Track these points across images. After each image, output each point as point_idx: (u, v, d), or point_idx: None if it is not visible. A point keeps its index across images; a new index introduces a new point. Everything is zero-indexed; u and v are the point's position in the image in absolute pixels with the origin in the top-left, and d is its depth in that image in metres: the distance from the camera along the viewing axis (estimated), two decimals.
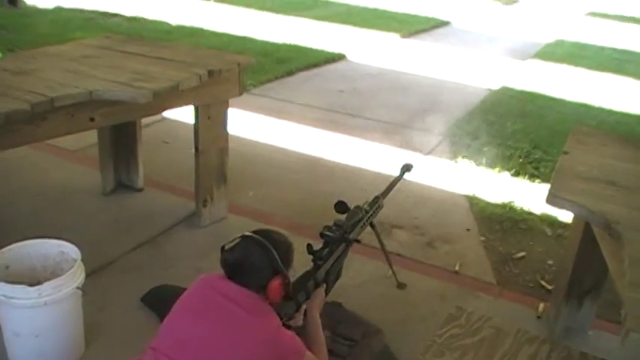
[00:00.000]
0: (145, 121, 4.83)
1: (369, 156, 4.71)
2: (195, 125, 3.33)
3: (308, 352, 2.17)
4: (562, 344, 2.18)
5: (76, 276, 2.39)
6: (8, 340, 2.41)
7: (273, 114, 5.55)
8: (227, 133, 3.47)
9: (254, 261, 2.10)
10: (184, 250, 3.30)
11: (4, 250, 2.48)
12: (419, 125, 5.50)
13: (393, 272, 3.10)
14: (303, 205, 3.89)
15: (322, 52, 7.96)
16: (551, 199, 2.39)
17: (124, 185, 3.90)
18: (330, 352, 2.46)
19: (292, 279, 2.21)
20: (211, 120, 3.34)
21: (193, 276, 3.01)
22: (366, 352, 2.58)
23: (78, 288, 2.38)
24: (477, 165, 4.61)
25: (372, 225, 2.98)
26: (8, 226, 3.37)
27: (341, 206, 2.81)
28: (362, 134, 5.16)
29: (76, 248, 2.51)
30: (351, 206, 2.84)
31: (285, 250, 2.19)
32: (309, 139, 5.03)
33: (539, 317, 2.98)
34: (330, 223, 2.65)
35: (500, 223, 3.82)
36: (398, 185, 4.12)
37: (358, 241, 2.79)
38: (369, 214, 2.90)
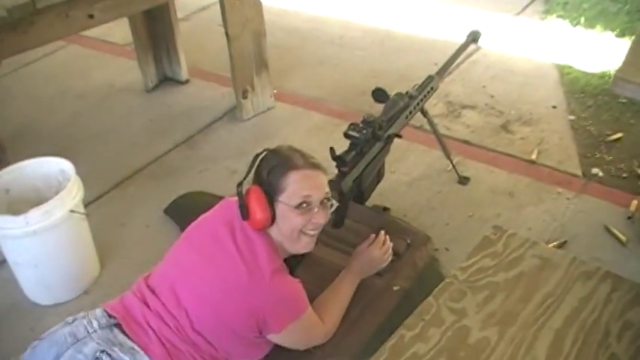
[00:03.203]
0: (201, 3, 4.50)
1: (449, 23, 4.09)
2: (221, 5, 2.90)
3: (309, 312, 1.83)
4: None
5: (68, 198, 2.13)
6: (13, 269, 2.26)
7: None
8: (261, 13, 3.02)
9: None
10: (221, 150, 3.00)
11: (1, 173, 2.28)
12: None
13: (453, 165, 2.67)
14: (366, 86, 3.41)
15: None
16: None
17: (168, 79, 3.60)
18: None
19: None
20: None
21: (227, 179, 2.78)
22: (407, 269, 2.21)
23: (73, 211, 2.13)
24: (574, 25, 3.89)
25: (422, 111, 2.54)
26: (45, 133, 3.22)
27: (379, 94, 2.38)
28: None
29: (71, 166, 2.25)
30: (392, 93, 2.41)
31: (271, 166, 1.82)
32: (379, 8, 4.44)
33: (629, 218, 2.43)
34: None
35: (595, 97, 3.19)
36: (474, 57, 3.59)
37: (399, 136, 2.37)
38: (416, 101, 2.45)
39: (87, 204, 2.34)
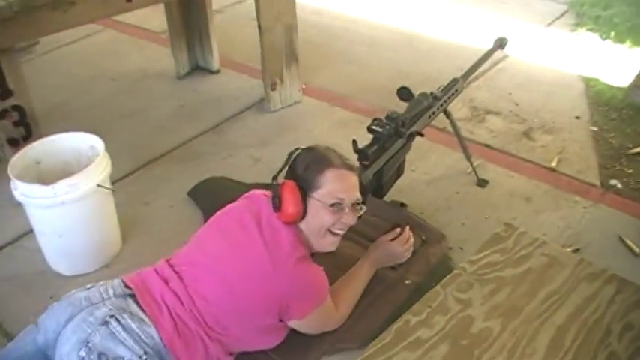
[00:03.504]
0: None
1: (478, 29, 4.13)
2: None
3: (328, 302, 1.89)
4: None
5: (96, 172, 2.21)
6: (38, 238, 2.34)
7: None
8: (294, 7, 3.08)
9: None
10: (247, 139, 3.06)
11: (33, 145, 2.36)
12: None
13: (473, 167, 2.71)
14: (392, 87, 3.46)
15: None
16: None
17: (200, 68, 3.69)
18: None
19: None
20: None
21: (250, 167, 2.85)
22: (420, 264, 2.26)
23: (99, 186, 2.21)
24: (603, 39, 3.91)
25: (446, 112, 2.59)
26: (77, 111, 3.31)
27: (404, 93, 2.43)
28: (474, 3, 4.54)
29: (101, 142, 2.32)
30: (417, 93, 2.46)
31: (308, 163, 1.89)
32: (409, 11, 4.49)
33: None
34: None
35: (619, 111, 3.20)
36: (501, 64, 3.63)
37: (421, 135, 2.42)
38: (440, 102, 2.50)
39: (113, 181, 2.41)
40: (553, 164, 2.83)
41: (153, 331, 1.71)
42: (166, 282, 1.83)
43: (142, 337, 1.69)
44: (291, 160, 1.90)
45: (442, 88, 2.55)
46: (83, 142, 2.39)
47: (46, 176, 2.29)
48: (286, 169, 1.91)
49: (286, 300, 1.78)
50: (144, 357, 1.66)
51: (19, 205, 2.27)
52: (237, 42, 3.93)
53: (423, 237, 2.36)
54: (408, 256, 2.18)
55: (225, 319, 1.79)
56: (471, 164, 2.71)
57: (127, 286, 1.82)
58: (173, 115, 3.28)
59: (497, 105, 3.29)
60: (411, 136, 2.38)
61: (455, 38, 4.03)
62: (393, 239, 2.16)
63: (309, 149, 1.92)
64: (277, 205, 1.82)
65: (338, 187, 1.84)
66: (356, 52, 3.91)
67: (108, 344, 1.66)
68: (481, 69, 3.29)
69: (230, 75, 3.64)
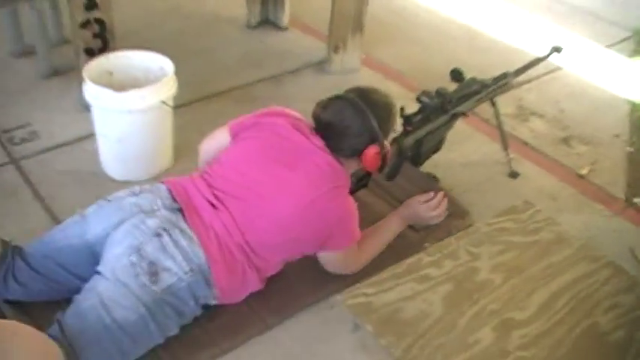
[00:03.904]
0: None
1: (539, 38, 4.24)
2: None
3: (354, 246, 2.02)
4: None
5: (163, 89, 2.42)
6: (98, 140, 2.55)
7: None
8: None
9: (349, 125, 1.97)
10: (304, 92, 3.25)
11: (108, 55, 2.57)
12: (611, 16, 4.82)
13: (508, 158, 2.86)
14: (446, 71, 3.58)
15: None
16: None
17: (269, 22, 3.88)
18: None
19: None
20: None
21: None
22: (442, 232, 2.42)
23: (163, 102, 2.41)
24: None
25: (492, 102, 2.74)
26: (149, 41, 3.49)
27: (456, 74, 2.59)
28: (540, 13, 4.64)
29: (171, 64, 2.53)
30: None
31: (385, 114, 2.03)
32: (478, 9, 4.61)
33: None
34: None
35: None
36: (555, 73, 3.75)
37: (465, 115, 2.57)
38: (488, 89, 2.65)
39: (174, 107, 2.60)
40: (584, 172, 2.97)
41: (200, 252, 1.81)
42: (214, 207, 1.91)
43: (190, 255, 1.79)
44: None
45: (493, 78, 2.70)
46: (154, 62, 2.59)
47: (115, 87, 2.45)
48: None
49: (331, 230, 1.91)
50: (189, 273, 1.78)
51: (83, 111, 2.48)
52: (308, 5, 4.11)
53: (449, 210, 2.52)
54: (437, 222, 2.33)
55: (272, 249, 1.92)
56: (507, 155, 2.86)
57: (174, 200, 1.91)
58: (237, 59, 3.49)
59: (543, 109, 3.42)
60: (455, 116, 2.54)
61: (514, 41, 4.15)
62: (425, 202, 2.32)
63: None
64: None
65: None
66: (420, 35, 4.06)
67: (158, 255, 1.76)
68: (535, 74, 3.45)
69: (297, 34, 3.83)
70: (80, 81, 2.52)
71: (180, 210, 1.89)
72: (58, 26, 3.34)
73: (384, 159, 2.01)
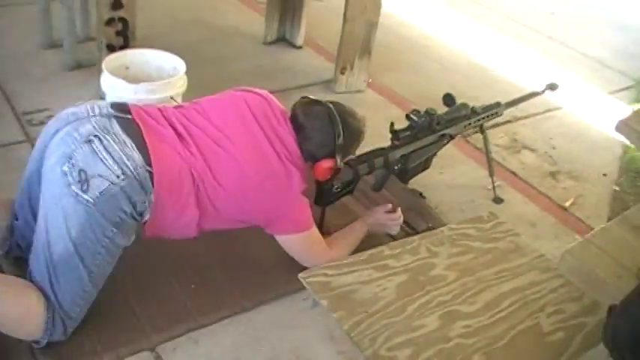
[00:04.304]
0: None
1: (543, 78, 4.39)
2: None
3: (313, 231, 2.15)
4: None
5: (173, 87, 2.60)
6: None
7: (456, 6, 5.39)
8: (379, 8, 3.45)
9: (317, 133, 2.10)
10: None
11: (127, 51, 2.77)
12: (616, 64, 4.98)
13: (493, 184, 3.00)
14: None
15: None
16: None
17: (285, 40, 4.08)
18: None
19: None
20: None
21: None
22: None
23: (172, 98, 2.60)
24: None
25: (481, 129, 2.88)
26: (168, 46, 3.68)
27: (448, 99, 2.75)
28: (547, 55, 4.82)
29: (184, 65, 2.72)
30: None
31: (352, 138, 2.17)
32: (486, 45, 4.81)
33: None
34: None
35: None
36: (553, 112, 3.90)
37: (452, 137, 2.72)
38: (478, 116, 2.80)
39: None
40: (567, 204, 3.10)
41: (136, 155, 1.77)
42: (180, 137, 1.91)
43: (123, 159, 1.75)
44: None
45: (484, 106, 2.85)
46: (168, 62, 2.79)
47: (130, 80, 2.66)
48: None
49: (277, 213, 2.03)
50: (121, 177, 1.74)
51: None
52: (323, 28, 4.30)
53: (430, 224, 2.66)
54: (395, 229, 2.48)
55: (224, 199, 1.93)
56: (492, 182, 3.00)
57: (118, 110, 1.88)
58: (250, 71, 3.69)
59: (536, 144, 3.57)
60: (443, 137, 2.69)
61: (518, 80, 4.32)
62: (387, 212, 2.46)
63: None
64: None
65: None
66: (426, 66, 4.24)
67: (88, 161, 1.73)
68: (534, 111, 3.61)
69: (309, 53, 4.04)
70: (100, 74, 2.72)
71: (117, 117, 1.86)
72: (86, 25, 3.58)
73: (332, 175, 2.15)
